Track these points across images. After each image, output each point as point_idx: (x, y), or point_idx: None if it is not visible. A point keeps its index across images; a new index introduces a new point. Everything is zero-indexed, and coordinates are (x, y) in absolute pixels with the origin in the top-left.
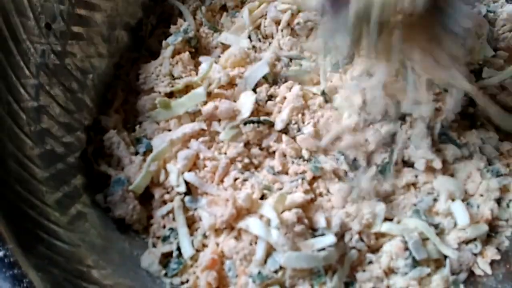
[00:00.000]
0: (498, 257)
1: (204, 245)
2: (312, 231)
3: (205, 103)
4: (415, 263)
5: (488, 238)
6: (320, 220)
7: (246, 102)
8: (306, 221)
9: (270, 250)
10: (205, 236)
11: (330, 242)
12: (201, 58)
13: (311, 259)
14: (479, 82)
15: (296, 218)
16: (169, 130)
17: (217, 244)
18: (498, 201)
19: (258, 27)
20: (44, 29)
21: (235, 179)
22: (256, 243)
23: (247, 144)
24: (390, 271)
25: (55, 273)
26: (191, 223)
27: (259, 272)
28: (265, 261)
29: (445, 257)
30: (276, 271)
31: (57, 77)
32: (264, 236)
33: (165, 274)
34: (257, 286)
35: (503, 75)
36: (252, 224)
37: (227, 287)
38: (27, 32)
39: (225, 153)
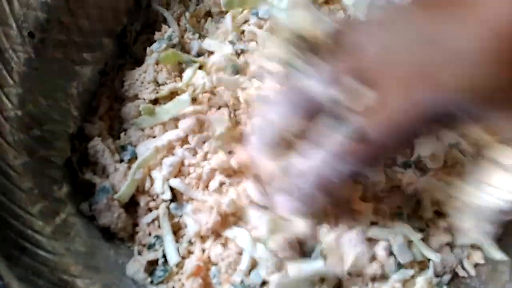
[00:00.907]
0: (482, 261)
1: (190, 252)
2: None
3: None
4: (399, 266)
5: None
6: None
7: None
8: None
9: (254, 263)
10: (190, 243)
11: (319, 267)
12: (185, 57)
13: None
14: None
15: (287, 244)
16: (154, 137)
17: (203, 251)
18: None
19: (242, 32)
20: (27, 38)
21: (221, 184)
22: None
23: (231, 153)
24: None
25: (39, 283)
26: (177, 230)
27: (242, 281)
28: (250, 272)
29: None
30: (260, 284)
31: (41, 85)
32: (249, 251)
33: (151, 282)
34: None
35: None
36: (239, 235)
37: None
38: (10, 41)
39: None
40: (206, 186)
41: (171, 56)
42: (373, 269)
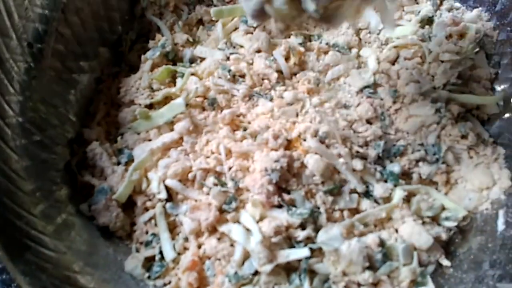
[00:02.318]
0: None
1: (185, 248)
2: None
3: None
4: (385, 258)
5: None
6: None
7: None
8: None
9: (247, 254)
10: (186, 240)
11: (305, 255)
12: (179, 69)
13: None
14: None
15: (273, 231)
16: (149, 140)
17: (198, 246)
18: None
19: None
20: (26, 48)
21: (215, 184)
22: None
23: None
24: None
25: (42, 278)
26: (173, 228)
27: (236, 273)
28: (243, 263)
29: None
30: (252, 274)
31: (40, 93)
32: (243, 244)
33: (148, 277)
34: (232, 286)
35: None
36: (234, 230)
37: (206, 287)
38: (10, 51)
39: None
40: (201, 186)
41: (165, 72)
42: (364, 278)
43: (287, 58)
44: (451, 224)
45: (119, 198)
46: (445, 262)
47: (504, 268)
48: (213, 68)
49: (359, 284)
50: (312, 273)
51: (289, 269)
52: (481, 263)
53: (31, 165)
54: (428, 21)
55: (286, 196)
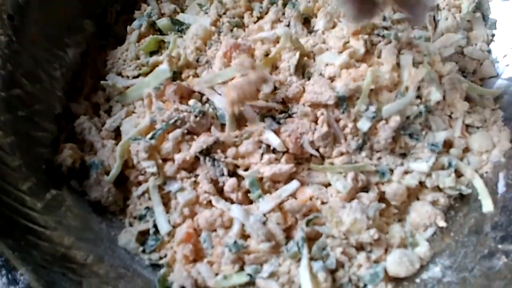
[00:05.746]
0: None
1: (181, 221)
2: None
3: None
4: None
5: None
6: None
7: None
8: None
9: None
10: (181, 213)
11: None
12: (166, 38)
13: None
14: None
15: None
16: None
17: (192, 219)
18: None
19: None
20: (7, 21)
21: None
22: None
23: None
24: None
25: (33, 254)
26: (167, 201)
27: (235, 242)
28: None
29: None
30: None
31: (24, 67)
32: (242, 221)
33: (143, 251)
34: (233, 255)
35: None
36: (233, 208)
37: (203, 259)
38: None
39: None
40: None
41: (152, 42)
42: (370, 234)
43: None
44: (453, 192)
45: (112, 179)
46: (442, 223)
47: (506, 229)
48: (201, 33)
49: (356, 248)
50: (309, 241)
51: (287, 237)
52: (482, 225)
53: (17, 141)
54: None
55: None
